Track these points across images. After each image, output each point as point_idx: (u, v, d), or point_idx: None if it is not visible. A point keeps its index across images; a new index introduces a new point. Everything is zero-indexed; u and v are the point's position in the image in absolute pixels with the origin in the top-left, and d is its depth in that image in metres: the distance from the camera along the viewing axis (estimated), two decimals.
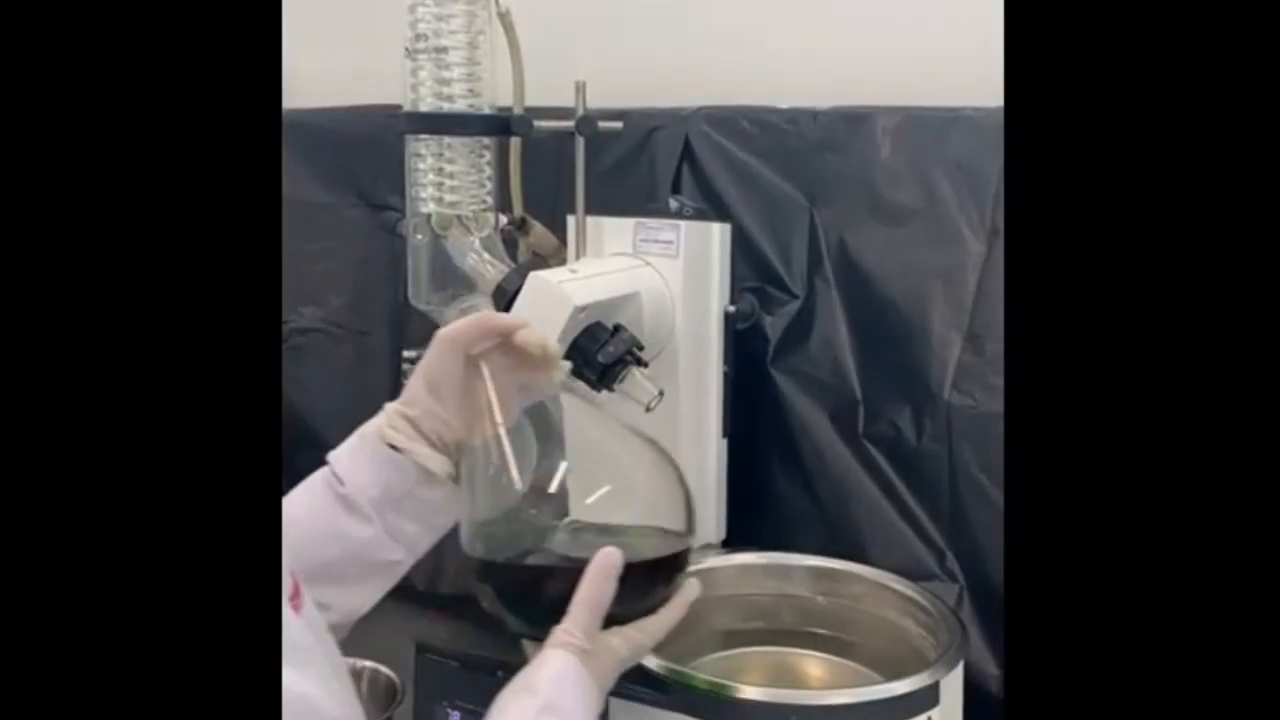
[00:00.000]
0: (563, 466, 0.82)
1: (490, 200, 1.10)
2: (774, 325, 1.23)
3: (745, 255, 1.27)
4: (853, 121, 1.24)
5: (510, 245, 1.24)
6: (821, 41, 1.38)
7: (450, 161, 1.05)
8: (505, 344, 0.80)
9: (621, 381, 1.01)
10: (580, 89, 1.12)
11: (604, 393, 1.01)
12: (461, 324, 0.80)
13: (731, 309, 1.15)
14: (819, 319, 1.23)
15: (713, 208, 1.29)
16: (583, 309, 0.98)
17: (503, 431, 0.79)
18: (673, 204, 1.14)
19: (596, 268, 1.08)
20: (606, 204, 1.28)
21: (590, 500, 0.83)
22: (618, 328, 1.00)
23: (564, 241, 1.20)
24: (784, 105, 1.30)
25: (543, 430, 0.84)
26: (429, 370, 0.81)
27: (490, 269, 1.08)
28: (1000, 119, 1.13)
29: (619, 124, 1.16)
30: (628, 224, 1.13)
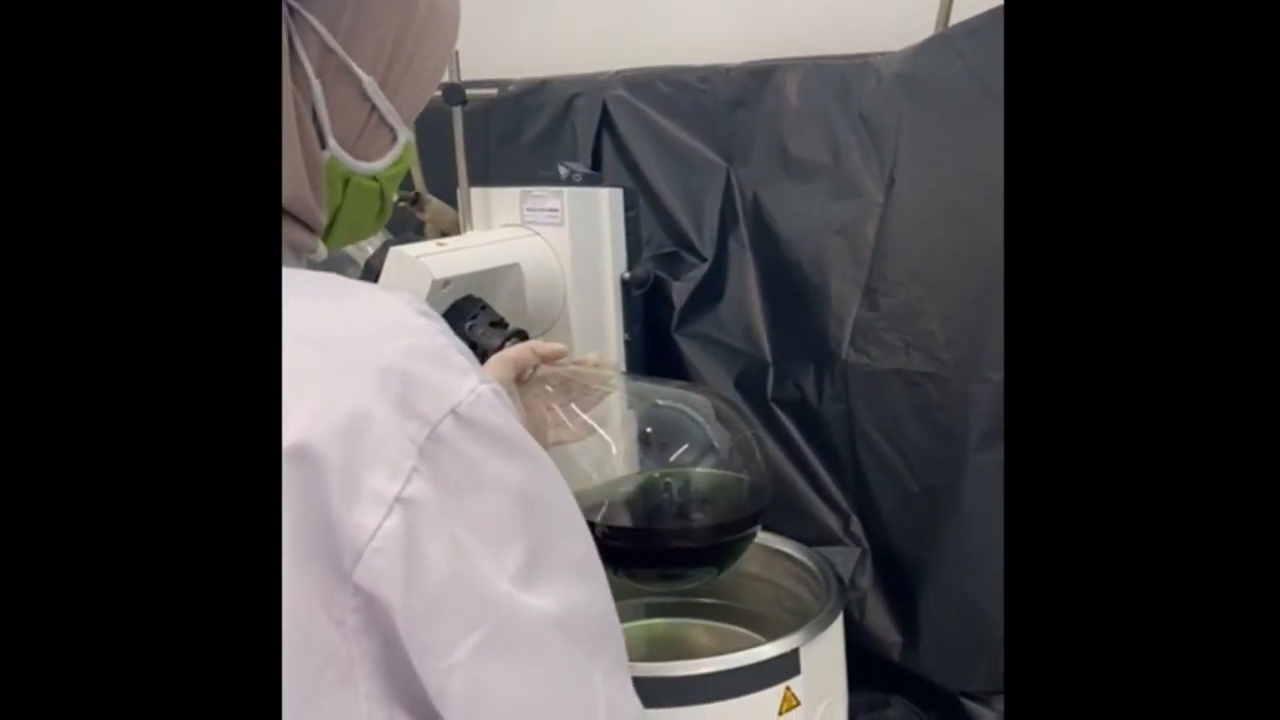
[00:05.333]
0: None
1: None
2: (680, 291, 1.20)
3: (660, 220, 1.25)
4: (762, 76, 1.20)
5: (414, 221, 1.24)
6: None
7: None
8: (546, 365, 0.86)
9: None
10: (453, 58, 1.09)
11: None
12: (515, 350, 0.86)
13: (627, 275, 1.12)
14: (731, 281, 1.19)
15: (630, 172, 1.27)
16: (445, 283, 0.96)
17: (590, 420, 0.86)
18: (562, 170, 1.11)
19: (472, 240, 1.07)
20: (531, 174, 1.24)
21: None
22: (485, 304, 0.98)
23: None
24: (698, 64, 1.27)
25: None
26: None
27: (370, 249, 1.07)
28: (901, 64, 1.09)
29: (493, 90, 1.13)
30: (515, 194, 1.11)
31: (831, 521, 1.09)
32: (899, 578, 1.04)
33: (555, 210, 1.08)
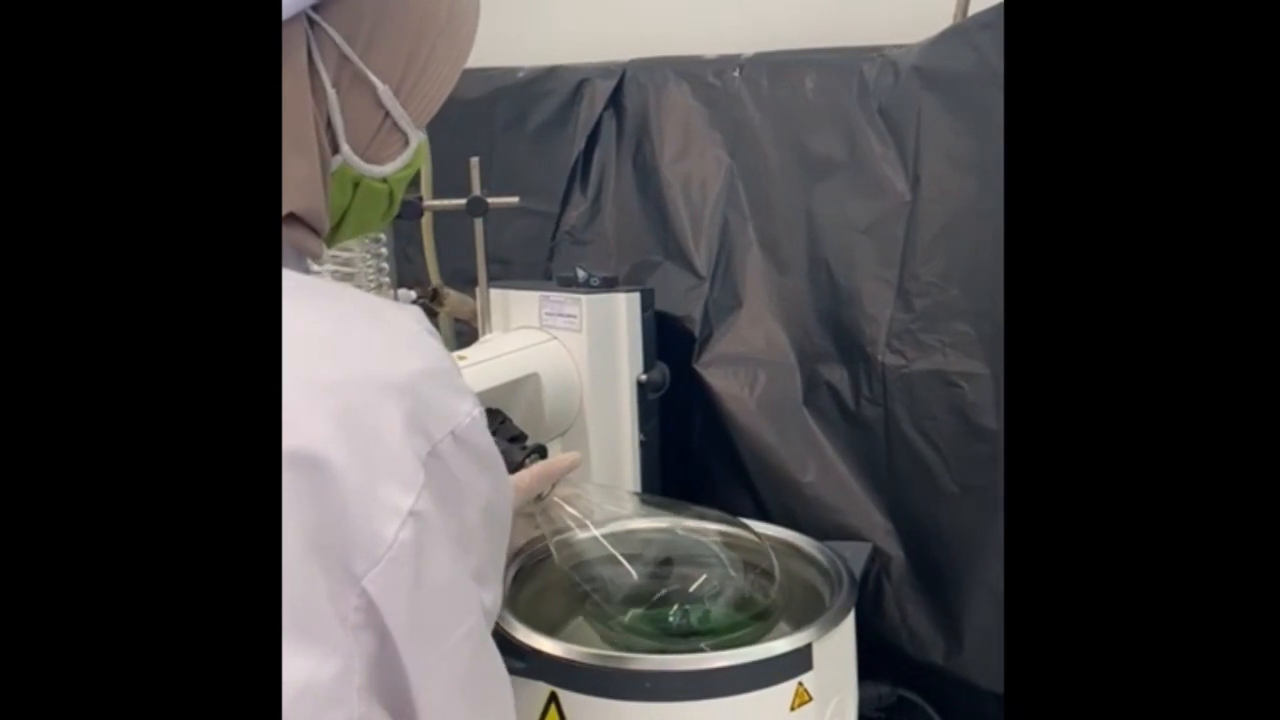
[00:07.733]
0: None
1: (387, 280, 1.11)
2: (692, 316, 1.16)
3: (653, 222, 1.21)
4: (776, 70, 1.16)
5: (431, 315, 1.23)
6: None
7: (347, 249, 1.06)
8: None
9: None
10: (472, 167, 1.08)
11: None
12: (529, 478, 0.85)
13: (644, 378, 1.10)
14: (745, 287, 1.15)
15: (636, 169, 1.23)
16: None
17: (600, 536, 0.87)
18: (580, 274, 1.09)
19: (493, 350, 1.05)
20: (534, 163, 1.27)
21: None
22: (505, 418, 0.96)
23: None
24: (711, 55, 1.22)
25: None
26: None
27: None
28: (917, 58, 1.06)
29: (515, 199, 1.11)
30: (533, 298, 1.10)
31: (863, 525, 1.06)
32: (938, 579, 1.01)
33: (574, 316, 1.07)
